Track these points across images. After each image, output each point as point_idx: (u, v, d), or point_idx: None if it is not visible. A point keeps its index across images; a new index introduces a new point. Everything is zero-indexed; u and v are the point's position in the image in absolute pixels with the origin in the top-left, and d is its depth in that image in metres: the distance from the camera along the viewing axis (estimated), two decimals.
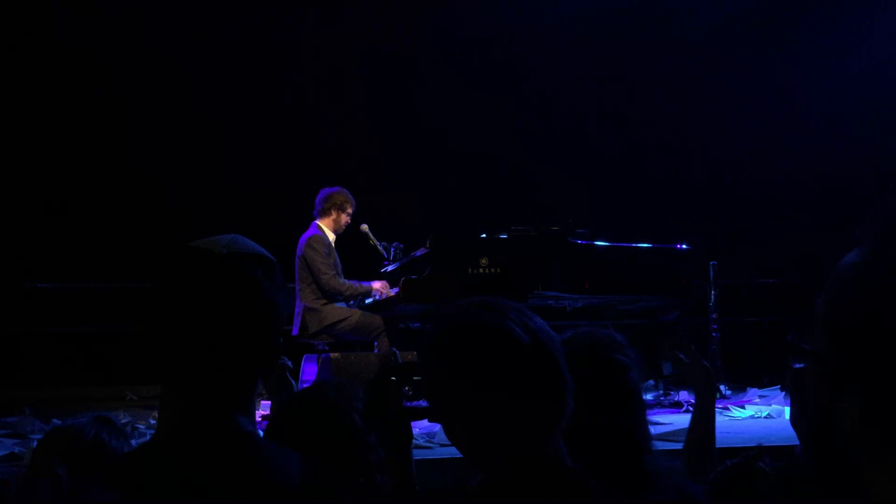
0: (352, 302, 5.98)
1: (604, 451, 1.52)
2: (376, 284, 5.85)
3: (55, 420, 4.84)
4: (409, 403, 1.53)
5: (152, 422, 5.05)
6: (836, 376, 0.84)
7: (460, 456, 1.36)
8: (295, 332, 5.72)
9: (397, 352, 4.95)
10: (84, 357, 7.55)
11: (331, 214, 5.92)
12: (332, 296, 5.78)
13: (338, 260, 5.93)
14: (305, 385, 5.75)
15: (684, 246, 6.04)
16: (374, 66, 8.52)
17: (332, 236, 5.93)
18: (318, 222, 5.93)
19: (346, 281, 5.81)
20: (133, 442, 2.11)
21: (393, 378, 1.51)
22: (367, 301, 5.93)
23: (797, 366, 1.55)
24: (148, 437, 3.42)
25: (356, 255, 6.31)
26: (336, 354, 5.38)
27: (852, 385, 0.82)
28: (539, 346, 1.31)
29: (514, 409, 1.29)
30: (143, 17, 8.03)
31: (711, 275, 6.40)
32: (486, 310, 1.35)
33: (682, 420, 4.95)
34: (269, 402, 5.13)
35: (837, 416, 0.84)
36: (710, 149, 8.71)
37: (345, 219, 5.94)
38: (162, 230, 7.52)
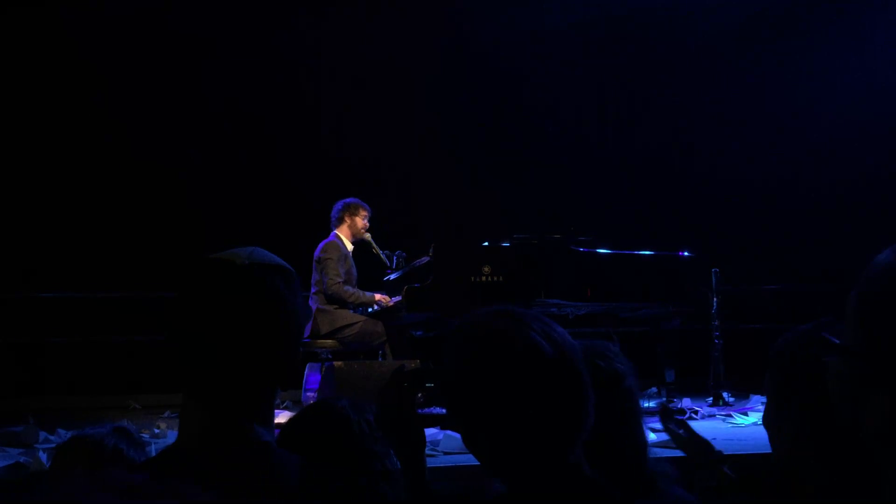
0: (359, 309, 6.03)
1: (609, 457, 1.53)
2: (378, 296, 5.94)
3: (60, 429, 4.86)
4: (421, 410, 1.54)
5: (157, 430, 5.07)
6: (865, 371, 0.84)
7: (463, 464, 1.37)
8: (306, 333, 5.80)
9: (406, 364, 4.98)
10: (88, 366, 7.56)
11: (345, 221, 6.12)
12: (335, 301, 5.87)
13: (353, 270, 6.06)
14: (310, 393, 5.81)
15: (686, 253, 6.05)
16: (377, 76, 8.55)
17: (349, 245, 6.12)
18: (335, 232, 6.10)
19: (351, 289, 5.91)
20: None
21: (406, 384, 1.53)
22: (370, 310, 5.97)
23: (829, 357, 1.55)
24: (153, 445, 3.43)
25: (359, 264, 6.35)
26: (339, 363, 5.39)
27: (882, 380, 0.82)
28: (562, 357, 1.32)
29: (537, 420, 1.30)
30: (158, 25, 8.08)
31: (713, 282, 6.41)
32: (510, 320, 1.35)
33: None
34: (284, 412, 5.17)
35: (864, 412, 0.84)
36: (712, 155, 8.73)
37: (360, 222, 6.14)
38: (168, 241, 7.56)
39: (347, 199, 6.20)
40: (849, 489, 1.33)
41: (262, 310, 1.30)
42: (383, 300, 5.91)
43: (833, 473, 1.42)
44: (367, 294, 5.96)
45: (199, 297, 1.32)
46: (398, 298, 5.64)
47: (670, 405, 5.87)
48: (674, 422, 2.08)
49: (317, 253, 6.00)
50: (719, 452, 1.95)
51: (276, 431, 1.85)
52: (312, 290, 5.96)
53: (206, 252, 1.39)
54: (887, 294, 0.84)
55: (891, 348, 0.82)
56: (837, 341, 0.88)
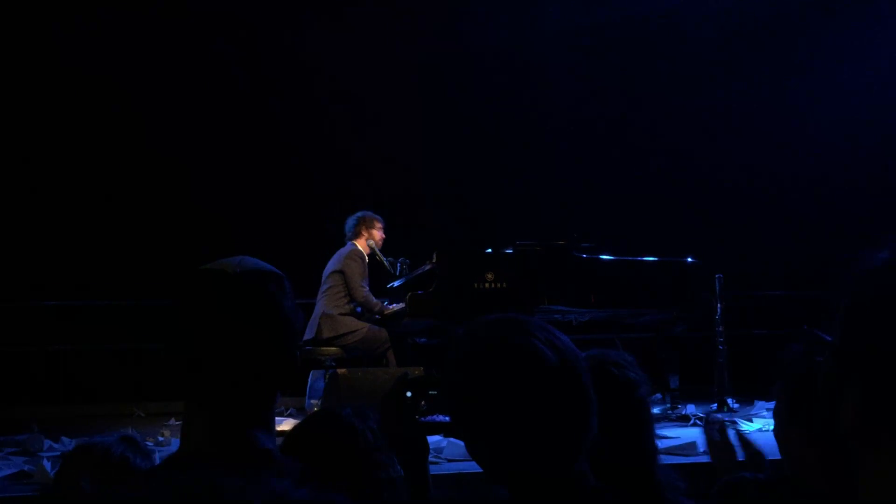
0: (359, 308, 6.05)
1: (617, 465, 1.53)
2: (395, 307, 5.99)
3: (64, 438, 4.86)
4: (424, 418, 1.54)
5: (160, 439, 5.07)
6: (846, 367, 0.86)
7: (467, 472, 1.37)
8: (311, 334, 5.83)
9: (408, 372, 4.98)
10: (92, 374, 7.57)
11: (362, 234, 6.21)
12: (364, 308, 5.96)
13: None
14: (314, 400, 5.81)
15: (690, 259, 6.04)
16: (379, 84, 8.57)
17: (366, 257, 6.18)
18: (352, 242, 6.19)
19: (377, 300, 5.98)
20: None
21: (409, 393, 1.53)
22: (376, 317, 5.99)
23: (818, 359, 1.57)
24: (157, 453, 3.43)
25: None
26: (343, 370, 5.40)
27: (860, 375, 0.84)
28: (566, 366, 1.32)
29: (539, 428, 1.30)
30: (165, 34, 8.11)
31: (717, 288, 6.40)
32: (513, 328, 1.35)
33: (689, 434, 4.94)
34: (284, 419, 5.17)
35: (841, 407, 0.86)
36: (715, 162, 8.72)
37: (378, 234, 6.26)
38: (172, 249, 7.57)
39: (361, 213, 6.27)
40: (854, 493, 1.33)
41: (257, 316, 1.31)
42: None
43: (838, 478, 1.42)
44: (391, 306, 6.03)
45: (193, 307, 1.32)
46: (401, 304, 5.64)
47: (673, 412, 5.86)
48: (715, 423, 2.09)
49: (338, 262, 6.04)
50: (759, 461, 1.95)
51: (279, 439, 1.85)
52: (321, 294, 5.99)
53: (210, 260, 1.40)
54: (870, 293, 0.86)
55: (866, 345, 0.84)
56: (829, 338, 0.91)
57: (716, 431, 2.07)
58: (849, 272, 0.88)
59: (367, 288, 6.02)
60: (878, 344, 0.83)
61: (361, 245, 6.18)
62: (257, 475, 1.11)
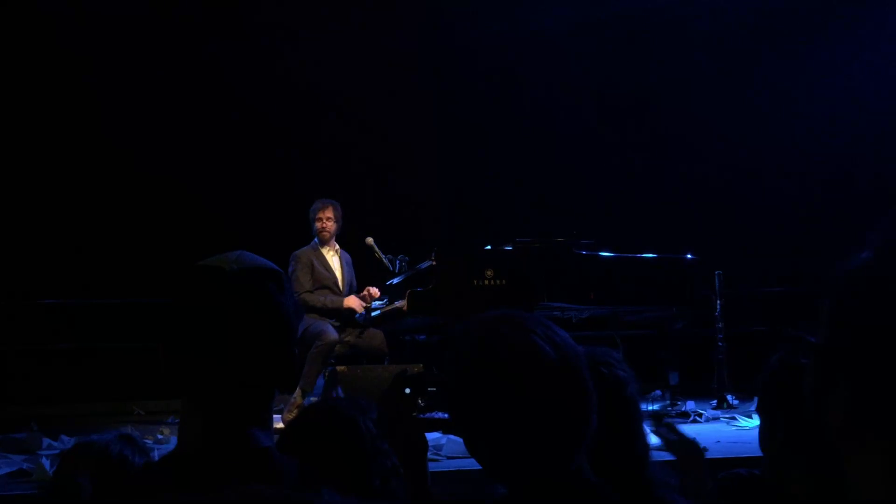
0: (358, 315, 6.01)
1: (608, 463, 1.53)
2: (348, 302, 5.90)
3: (63, 436, 4.86)
4: (423, 415, 1.54)
5: (160, 437, 5.07)
6: (831, 367, 0.86)
7: (467, 469, 1.37)
8: None
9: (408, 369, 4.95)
10: (91, 373, 7.57)
11: (312, 229, 6.12)
12: (307, 310, 5.88)
13: (328, 274, 6.02)
14: (313, 398, 5.80)
15: (689, 256, 6.04)
16: (377, 79, 8.56)
17: (326, 250, 6.10)
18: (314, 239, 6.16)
19: (315, 297, 5.90)
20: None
21: (407, 390, 1.53)
22: (374, 314, 5.97)
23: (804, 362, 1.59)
24: (156, 452, 3.44)
25: (362, 268, 6.34)
26: (342, 368, 5.40)
27: (845, 375, 0.85)
28: (565, 362, 1.31)
29: (539, 425, 1.29)
30: (164, 34, 8.10)
31: (717, 284, 6.40)
32: (512, 325, 1.35)
33: (688, 431, 4.94)
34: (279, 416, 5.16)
35: (827, 407, 0.86)
36: (715, 158, 8.71)
37: (318, 225, 6.09)
38: (172, 247, 7.56)
39: None
40: (835, 493, 1.34)
41: (254, 314, 1.30)
42: (356, 305, 5.87)
43: (820, 478, 1.43)
44: (336, 298, 5.93)
45: (190, 304, 1.31)
46: (400, 302, 5.64)
47: (673, 409, 5.87)
48: (664, 426, 2.09)
49: None
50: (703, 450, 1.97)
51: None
52: None
53: (208, 258, 1.38)
54: (854, 292, 0.86)
55: (851, 344, 0.84)
56: (813, 339, 0.92)
57: (669, 432, 2.07)
58: (832, 272, 0.88)
59: (309, 287, 5.88)
60: (863, 343, 0.83)
61: (318, 238, 6.11)
62: (319, 492, 1.11)
